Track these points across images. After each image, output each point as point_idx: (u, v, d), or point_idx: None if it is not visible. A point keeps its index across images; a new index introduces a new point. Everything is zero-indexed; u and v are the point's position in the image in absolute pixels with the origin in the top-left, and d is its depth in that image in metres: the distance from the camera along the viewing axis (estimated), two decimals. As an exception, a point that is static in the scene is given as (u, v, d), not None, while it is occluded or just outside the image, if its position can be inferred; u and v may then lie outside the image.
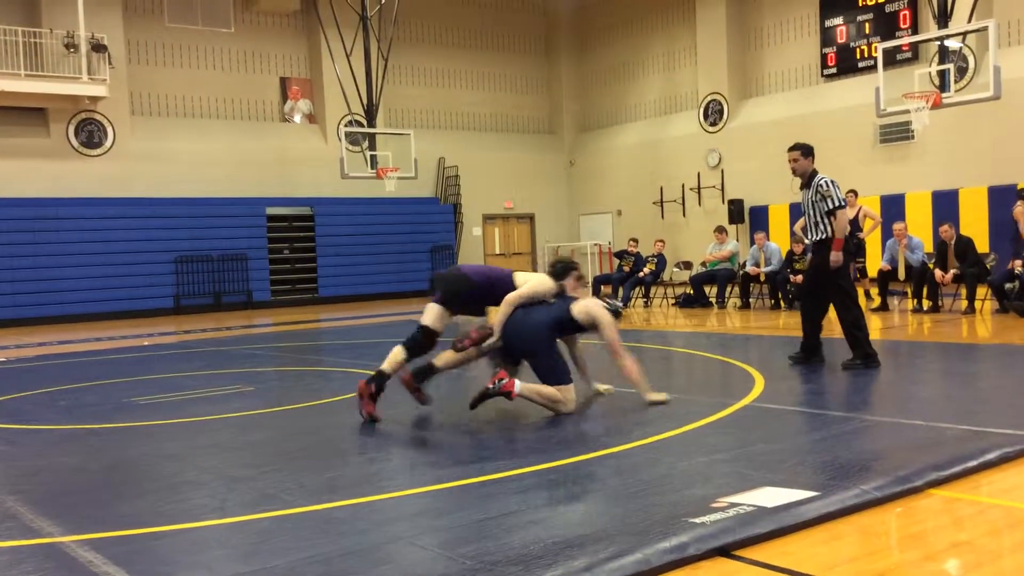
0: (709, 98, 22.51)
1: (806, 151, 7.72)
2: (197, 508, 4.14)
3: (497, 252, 25.97)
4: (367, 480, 4.53)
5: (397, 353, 6.38)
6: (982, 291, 12.39)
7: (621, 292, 16.64)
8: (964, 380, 7.26)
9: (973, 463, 4.25)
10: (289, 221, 21.87)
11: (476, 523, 3.69)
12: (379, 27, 20.56)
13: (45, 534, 3.81)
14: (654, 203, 23.78)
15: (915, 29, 18.29)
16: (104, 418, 6.80)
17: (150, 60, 20.93)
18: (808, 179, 7.72)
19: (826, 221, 7.59)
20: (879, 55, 14.55)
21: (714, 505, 3.69)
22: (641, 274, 16.88)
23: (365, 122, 20.61)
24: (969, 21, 14.12)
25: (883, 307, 13.19)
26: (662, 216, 23.60)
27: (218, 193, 21.06)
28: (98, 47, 18.84)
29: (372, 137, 20.17)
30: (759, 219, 20.69)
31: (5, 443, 6.01)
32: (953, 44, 14.96)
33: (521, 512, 3.80)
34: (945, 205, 17.41)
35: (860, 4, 19.60)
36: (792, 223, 16.59)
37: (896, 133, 18.40)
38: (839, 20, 20.05)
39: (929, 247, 14.20)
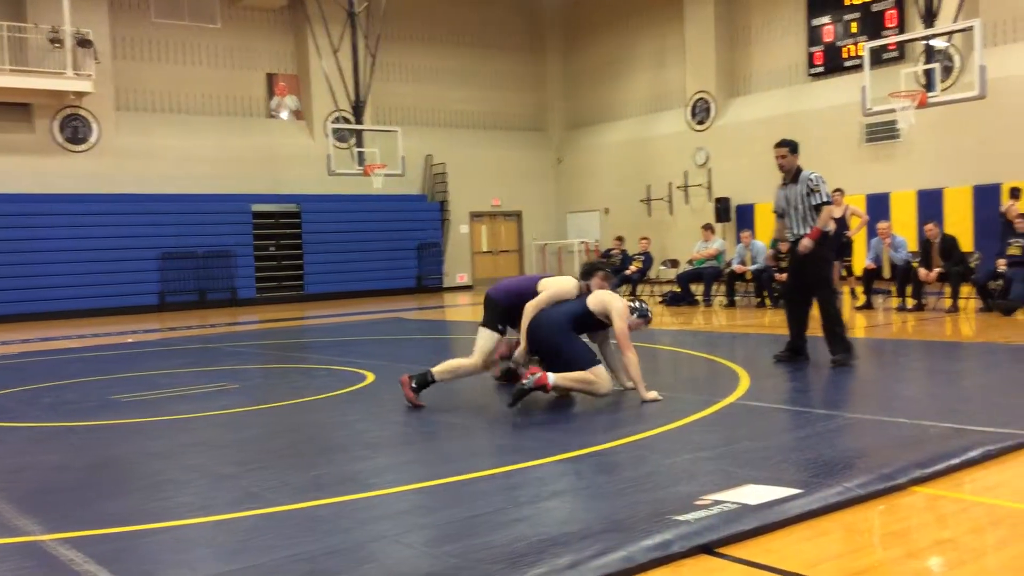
0: (697, 96, 22.55)
1: (793, 147, 7.82)
2: (181, 506, 4.12)
3: (484, 250, 25.96)
4: (352, 478, 4.51)
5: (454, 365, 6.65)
6: (966, 290, 12.47)
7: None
8: (947, 378, 7.31)
9: (956, 461, 4.27)
10: (275, 218, 21.80)
11: (461, 521, 3.69)
12: (367, 23, 20.50)
13: (26, 532, 3.78)
14: (641, 201, 23.81)
15: (901, 29, 18.38)
16: (87, 416, 6.76)
17: (136, 55, 20.81)
18: (794, 175, 7.78)
19: (814, 215, 7.66)
20: (865, 54, 14.61)
21: (698, 503, 3.70)
22: (628, 272, 16.90)
23: (352, 119, 20.56)
24: (955, 21, 14.20)
25: (868, 305, 13.25)
26: (649, 214, 23.64)
27: (204, 190, 20.97)
28: (83, 42, 18.72)
29: (359, 134, 20.13)
30: (745, 217, 20.75)
31: (-13, 441, 5.96)
32: (939, 44, 15.05)
33: (507, 510, 3.80)
34: (930, 204, 17.50)
35: (847, 3, 19.67)
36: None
37: (882, 132, 18.48)
38: (826, 19, 20.13)
39: (914, 246, 14.28)
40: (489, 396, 7.10)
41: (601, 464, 4.61)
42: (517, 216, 26.44)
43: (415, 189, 24.22)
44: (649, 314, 6.67)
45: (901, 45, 17.71)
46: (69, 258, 18.92)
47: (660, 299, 16.53)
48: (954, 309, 12.17)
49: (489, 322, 6.66)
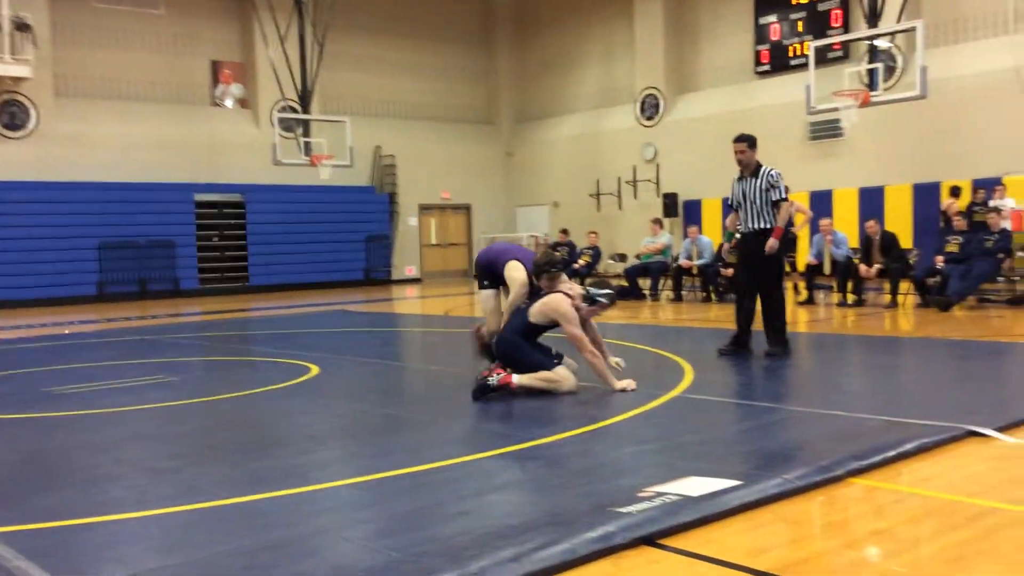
0: (646, 92, 22.69)
1: (752, 143, 7.96)
2: (116, 500, 4.03)
3: (433, 242, 25.86)
4: (294, 472, 4.46)
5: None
6: (905, 286, 12.73)
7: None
8: (885, 372, 7.45)
9: (892, 453, 4.35)
10: (219, 208, 21.46)
11: (404, 514, 3.66)
12: (314, 11, 20.26)
13: (-47, 528, 3.66)
14: (591, 195, 23.91)
15: (846, 28, 18.67)
16: (21, 408, 6.59)
17: (76, 40, 20.31)
18: (754, 170, 7.88)
19: (770, 210, 7.77)
20: (810, 53, 14.82)
21: (641, 495, 3.71)
22: (576, 266, 16.96)
23: (299, 108, 20.30)
24: (898, 21, 14.46)
25: (810, 300, 13.47)
26: (598, 208, 23.75)
27: (145, 178, 20.55)
28: (22, 26, 18.22)
29: (306, 124, 19.89)
30: (693, 213, 20.96)
31: (-86, 434, 5.77)
32: (882, 44, 15.32)
33: (450, 503, 3.78)
34: (871, 201, 17.84)
35: (793, 2, 19.93)
36: (724, 217, 16.83)
37: (826, 130, 18.78)
38: (773, 18, 20.37)
39: (855, 242, 14.54)
40: (434, 389, 7.08)
41: (545, 457, 4.61)
42: (467, 209, 26.37)
43: (363, 181, 24.02)
44: (604, 299, 6.62)
45: (845, 45, 18.01)
46: (5, 247, 18.43)
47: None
48: (893, 305, 12.42)
49: (481, 284, 7.30)
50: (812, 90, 14.48)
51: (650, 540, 3.29)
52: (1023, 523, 3.42)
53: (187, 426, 5.83)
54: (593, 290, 6.61)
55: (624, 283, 16.19)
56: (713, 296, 14.56)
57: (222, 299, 19.82)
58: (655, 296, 15.60)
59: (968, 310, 11.70)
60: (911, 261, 12.91)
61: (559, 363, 6.35)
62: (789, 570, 3.01)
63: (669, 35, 22.27)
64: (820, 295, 14.04)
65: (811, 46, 15.11)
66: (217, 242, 21.46)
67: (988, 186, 15.12)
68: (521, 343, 6.39)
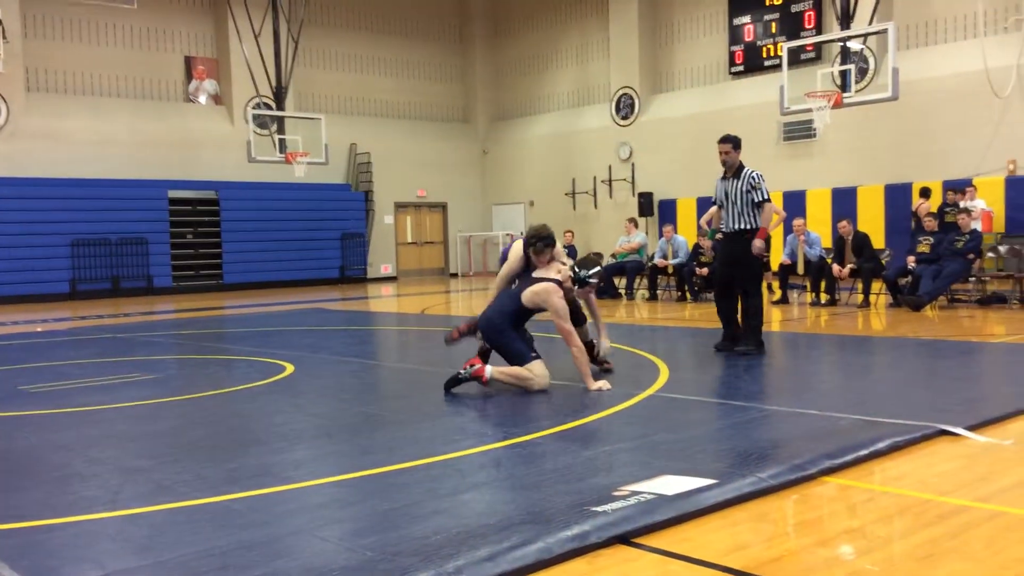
0: (621, 92, 22.76)
1: (736, 144, 8.05)
2: (88, 500, 3.99)
3: (409, 240, 25.80)
4: (269, 471, 4.43)
5: None
6: (877, 285, 12.85)
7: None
8: (858, 372, 7.52)
9: (865, 452, 4.39)
10: (193, 205, 21.29)
11: (380, 514, 3.65)
12: (289, 7, 20.15)
13: (-79, 529, 3.61)
14: (566, 194, 23.95)
15: (819, 30, 18.82)
16: (-9, 407, 6.50)
17: (47, 35, 20.08)
18: (736, 171, 7.95)
19: (753, 211, 7.85)
20: (784, 54, 14.93)
21: (616, 493, 3.73)
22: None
23: (274, 105, 20.18)
24: (870, 23, 14.59)
25: (783, 300, 13.56)
26: (574, 207, 23.80)
27: (118, 175, 20.36)
28: (-10, 19, 17.98)
29: (281, 121, 19.77)
30: (668, 212, 21.05)
31: None
32: (855, 45, 15.45)
33: (426, 502, 3.78)
34: (844, 202, 18.00)
35: (767, 3, 20.06)
36: (699, 217, 16.92)
37: (799, 131, 18.92)
38: (747, 19, 20.49)
39: (828, 242, 14.65)
40: (410, 388, 7.06)
41: (521, 456, 4.62)
42: (442, 207, 26.33)
43: (339, 178, 23.92)
44: (590, 278, 6.66)
45: (818, 46, 18.15)
46: (-26, 243, 18.20)
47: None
48: (865, 304, 12.54)
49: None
50: (785, 91, 14.59)
51: (625, 539, 3.31)
52: (992, 521, 3.46)
53: (161, 425, 5.78)
54: (582, 271, 6.64)
55: (599, 282, 16.22)
56: (688, 295, 14.63)
57: (196, 297, 19.67)
58: (630, 295, 15.65)
59: (939, 310, 11.83)
60: (883, 261, 13.04)
61: (536, 358, 6.36)
62: (763, 568, 3.03)
63: (644, 35, 22.35)
64: (794, 294, 14.15)
65: (784, 47, 15.22)
66: (191, 239, 21.30)
67: (959, 187, 15.32)
68: (507, 329, 6.42)
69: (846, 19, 14.90)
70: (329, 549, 3.28)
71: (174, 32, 21.82)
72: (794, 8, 19.59)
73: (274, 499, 3.94)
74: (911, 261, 12.34)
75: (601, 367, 7.20)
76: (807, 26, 19.32)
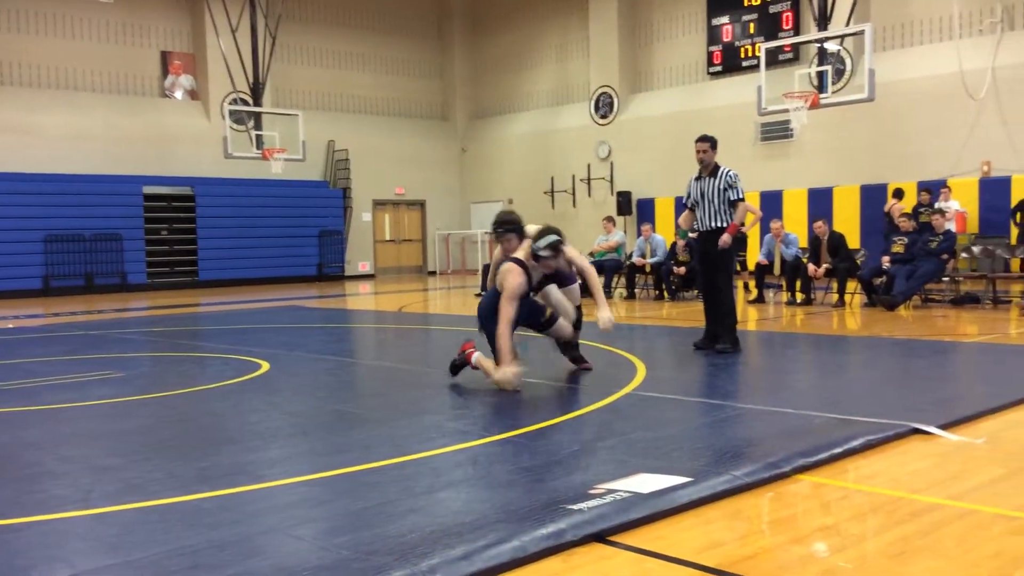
0: (600, 91, 22.79)
1: (713, 143, 8.14)
2: (57, 499, 3.93)
3: (387, 238, 25.73)
4: (242, 470, 4.39)
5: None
6: (852, 285, 12.93)
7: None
8: (833, 370, 7.56)
9: (839, 450, 4.41)
10: (168, 201, 21.13)
11: (354, 512, 3.63)
12: (267, 3, 20.02)
13: None
14: (545, 193, 23.96)
15: (797, 31, 18.93)
16: (-40, 404, 6.41)
17: (20, 28, 19.84)
18: (712, 170, 8.00)
19: (729, 210, 7.91)
20: (761, 55, 15.00)
21: (592, 491, 3.72)
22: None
23: (251, 101, 20.05)
24: (847, 25, 14.68)
25: (759, 299, 13.63)
26: (553, 206, 23.81)
27: (92, 170, 20.17)
28: (-38, 11, 17.75)
29: (258, 117, 19.65)
30: (646, 211, 21.11)
31: None
32: (832, 47, 15.55)
33: (401, 500, 3.75)
34: (820, 202, 18.11)
35: (745, 4, 20.15)
36: (677, 216, 16.97)
37: (776, 131, 19.02)
38: (725, 19, 20.58)
39: (804, 242, 14.74)
40: (386, 386, 7.03)
41: (497, 454, 4.61)
42: (421, 205, 26.27)
43: (317, 175, 23.80)
44: (547, 251, 6.48)
45: (796, 47, 18.25)
46: (-55, 239, 17.98)
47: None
48: (841, 304, 12.62)
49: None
50: (763, 91, 14.66)
51: (601, 537, 3.30)
52: (964, 519, 3.49)
53: (133, 423, 5.72)
54: (536, 244, 6.51)
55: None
56: (666, 294, 14.67)
57: (171, 294, 19.51)
58: (608, 294, 15.66)
59: (913, 309, 11.93)
60: (858, 261, 13.13)
61: (512, 358, 6.33)
62: (738, 566, 3.04)
63: (623, 34, 22.39)
64: (770, 294, 14.22)
65: (762, 48, 15.29)
66: (166, 236, 21.13)
67: (934, 188, 15.45)
68: (492, 316, 6.46)
69: (824, 20, 14.99)
70: (303, 548, 3.25)
71: (150, 26, 21.63)
72: (772, 9, 19.70)
73: (247, 498, 3.90)
74: (885, 261, 12.44)
75: (579, 366, 7.19)
76: (785, 27, 19.42)
